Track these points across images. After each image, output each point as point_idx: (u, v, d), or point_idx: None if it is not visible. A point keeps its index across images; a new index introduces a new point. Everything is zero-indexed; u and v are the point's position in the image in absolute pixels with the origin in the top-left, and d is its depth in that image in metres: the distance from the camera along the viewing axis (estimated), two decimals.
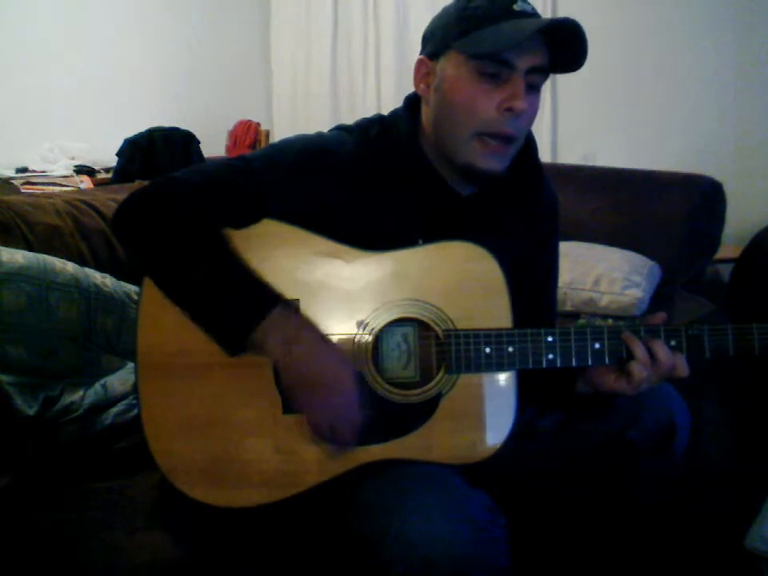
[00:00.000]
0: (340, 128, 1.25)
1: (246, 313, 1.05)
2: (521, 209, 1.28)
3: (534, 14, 1.12)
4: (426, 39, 1.19)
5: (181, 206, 1.10)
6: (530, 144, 1.24)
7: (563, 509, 1.27)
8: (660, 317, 1.18)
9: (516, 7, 1.10)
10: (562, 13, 3.63)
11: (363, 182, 1.18)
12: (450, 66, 1.14)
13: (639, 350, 1.13)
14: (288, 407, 1.11)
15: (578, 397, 1.22)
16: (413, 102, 1.24)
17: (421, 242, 1.16)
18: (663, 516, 1.33)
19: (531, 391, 1.21)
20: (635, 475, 1.24)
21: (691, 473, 1.40)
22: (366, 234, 1.14)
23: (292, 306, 1.10)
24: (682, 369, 1.14)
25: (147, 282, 1.12)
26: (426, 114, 1.21)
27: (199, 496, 1.11)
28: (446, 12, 1.16)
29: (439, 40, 1.15)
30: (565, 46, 1.10)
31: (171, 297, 1.09)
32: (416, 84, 1.20)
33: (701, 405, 1.50)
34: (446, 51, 1.14)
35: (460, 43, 1.11)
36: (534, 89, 1.13)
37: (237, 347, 1.07)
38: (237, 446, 1.12)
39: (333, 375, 1.07)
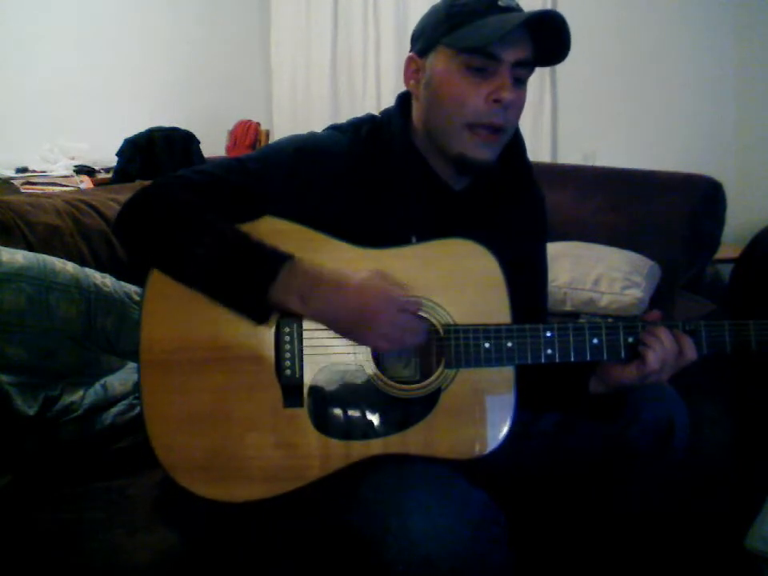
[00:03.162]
0: (333, 128, 1.27)
1: (257, 277, 1.06)
2: (512, 207, 1.30)
3: (518, 10, 1.15)
4: (416, 37, 1.22)
5: (181, 201, 1.12)
6: (518, 143, 1.26)
7: (563, 508, 1.27)
8: (655, 315, 1.18)
9: (501, 3, 1.13)
10: (562, 12, 3.63)
11: (357, 181, 1.19)
12: (438, 62, 1.17)
13: (649, 337, 1.13)
14: (289, 402, 1.12)
15: (591, 397, 1.22)
16: (404, 100, 1.26)
17: (414, 239, 1.17)
18: (663, 516, 1.33)
19: (542, 393, 1.21)
20: (634, 475, 1.24)
21: (691, 473, 1.40)
22: (361, 231, 1.15)
23: (302, 261, 1.09)
24: (690, 350, 1.13)
25: (151, 280, 1.13)
26: (417, 109, 1.23)
27: (200, 491, 1.11)
28: (434, 10, 1.19)
29: (428, 37, 1.18)
30: (549, 39, 1.14)
31: (184, 281, 1.11)
32: (406, 81, 1.23)
33: (700, 404, 1.50)
34: (435, 47, 1.17)
35: (448, 39, 1.15)
36: (520, 82, 1.16)
37: (259, 314, 1.08)
38: (238, 441, 1.12)
39: (361, 300, 1.07)
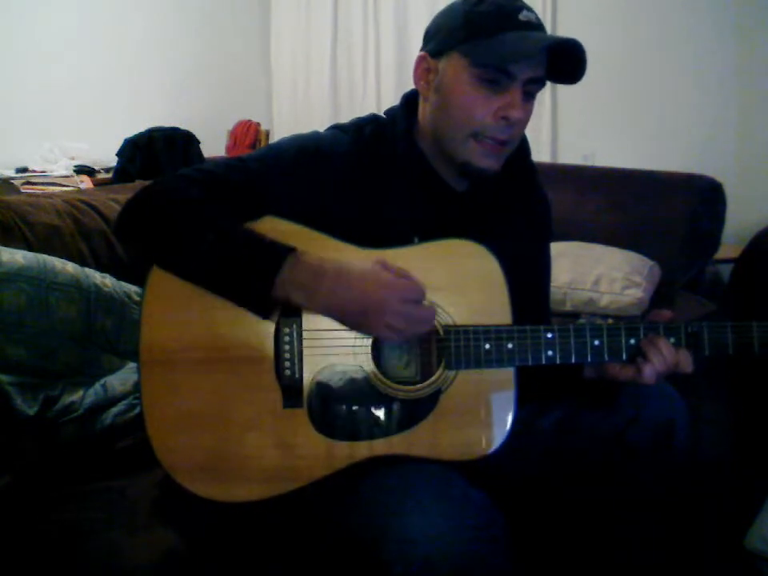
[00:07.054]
0: (335, 127, 1.27)
1: (261, 272, 1.06)
2: (515, 207, 1.30)
3: (538, 24, 1.14)
4: (430, 35, 1.20)
5: (183, 197, 1.12)
6: (523, 144, 1.26)
7: (563, 508, 1.27)
8: (666, 314, 1.19)
9: (521, 17, 1.12)
10: (562, 12, 3.65)
11: (359, 181, 1.19)
12: (451, 68, 1.15)
13: (651, 348, 1.14)
14: (289, 403, 1.12)
15: (585, 382, 1.23)
16: (410, 101, 1.25)
17: (416, 239, 1.17)
18: (663, 515, 1.33)
19: (538, 378, 1.21)
20: (635, 475, 1.24)
21: (691, 473, 1.40)
22: (363, 232, 1.15)
23: (305, 254, 1.09)
24: (686, 364, 1.15)
25: (151, 279, 1.13)
26: (425, 111, 1.22)
27: (200, 491, 1.11)
28: (452, 11, 1.17)
29: (443, 40, 1.17)
30: (565, 62, 1.14)
31: (187, 277, 1.11)
32: (416, 80, 1.22)
33: (700, 404, 1.50)
34: (449, 52, 1.16)
35: (464, 48, 1.13)
36: (529, 96, 1.16)
37: (264, 309, 1.09)
38: (238, 441, 1.12)
39: (364, 291, 1.07)
